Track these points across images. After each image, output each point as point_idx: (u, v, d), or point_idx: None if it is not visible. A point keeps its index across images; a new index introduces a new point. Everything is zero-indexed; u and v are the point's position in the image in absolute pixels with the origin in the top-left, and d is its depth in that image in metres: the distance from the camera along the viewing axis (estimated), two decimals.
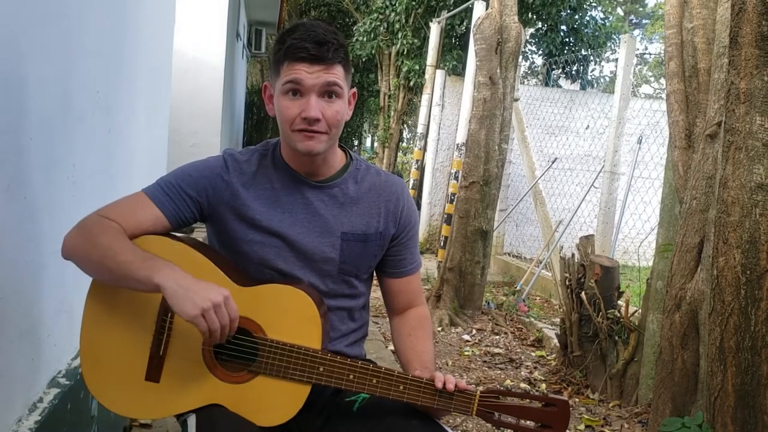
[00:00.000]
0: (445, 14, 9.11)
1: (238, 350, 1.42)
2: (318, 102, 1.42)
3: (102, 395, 1.44)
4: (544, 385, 3.71)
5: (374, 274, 1.69)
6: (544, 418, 1.43)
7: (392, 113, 11.65)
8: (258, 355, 1.42)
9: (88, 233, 1.42)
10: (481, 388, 1.43)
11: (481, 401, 1.42)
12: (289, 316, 1.43)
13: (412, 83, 10.75)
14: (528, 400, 1.46)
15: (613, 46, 11.95)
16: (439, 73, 8.71)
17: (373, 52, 11.17)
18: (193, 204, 1.50)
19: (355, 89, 1.54)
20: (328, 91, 1.43)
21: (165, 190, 1.49)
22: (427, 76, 8.99)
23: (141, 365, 1.42)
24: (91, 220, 1.45)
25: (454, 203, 5.53)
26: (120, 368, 1.43)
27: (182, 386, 1.42)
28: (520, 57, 5.97)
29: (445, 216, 6.60)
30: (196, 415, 1.41)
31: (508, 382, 3.74)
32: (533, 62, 13.29)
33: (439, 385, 1.40)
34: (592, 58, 11.32)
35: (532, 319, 5.15)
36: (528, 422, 1.44)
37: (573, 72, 10.97)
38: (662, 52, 3.28)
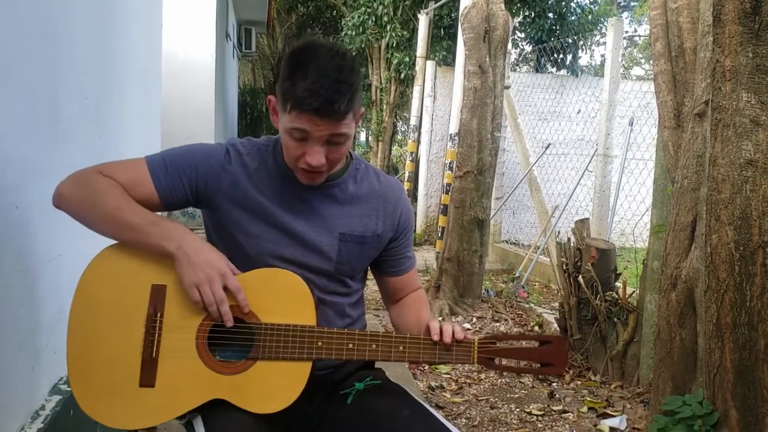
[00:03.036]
0: (432, 5, 9.09)
1: (233, 339, 1.41)
2: (322, 148, 1.40)
3: (97, 412, 1.38)
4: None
5: (367, 272, 1.71)
6: (544, 357, 1.46)
7: (384, 106, 11.63)
8: (254, 341, 1.41)
9: (91, 189, 1.43)
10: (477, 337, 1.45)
11: (480, 348, 1.44)
12: (281, 297, 1.43)
13: (402, 75, 10.72)
14: (524, 342, 1.49)
15: (602, 29, 11.93)
16: (430, 65, 8.70)
17: (363, 46, 11.14)
18: (190, 187, 1.49)
19: (363, 108, 1.51)
20: (333, 141, 1.41)
21: (167, 168, 1.48)
22: (417, 68, 8.98)
23: (134, 372, 1.38)
24: (93, 176, 1.45)
25: (450, 193, 5.53)
26: (112, 379, 1.38)
27: (180, 386, 1.39)
28: (509, 45, 5.97)
29: (442, 207, 6.61)
30: (201, 414, 1.40)
31: None
32: (523, 49, 13.26)
33: (436, 337, 1.43)
34: (581, 42, 11.29)
35: (532, 305, 5.17)
36: (529, 363, 1.47)
37: (560, 59, 10.93)
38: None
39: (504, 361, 1.46)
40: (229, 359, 1.42)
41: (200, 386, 1.39)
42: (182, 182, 1.49)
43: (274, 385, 1.40)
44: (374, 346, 1.43)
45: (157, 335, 1.40)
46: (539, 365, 1.47)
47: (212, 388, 1.39)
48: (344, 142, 1.43)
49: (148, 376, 1.38)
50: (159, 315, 1.40)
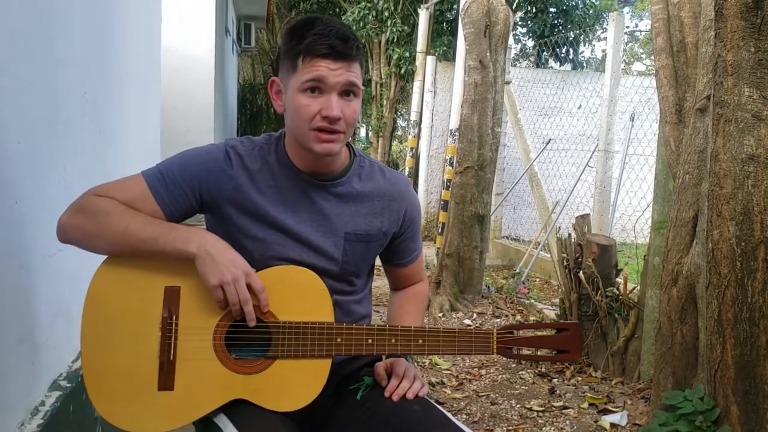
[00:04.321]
0: (433, 0, 9.07)
1: (251, 338, 1.40)
2: (338, 101, 1.39)
3: (116, 417, 1.37)
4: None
5: (374, 265, 1.70)
6: (560, 344, 1.51)
7: (385, 102, 11.62)
8: (272, 340, 1.40)
9: (93, 214, 1.40)
10: (496, 328, 1.49)
11: (499, 338, 1.47)
12: (297, 294, 1.42)
13: (403, 71, 10.72)
14: (541, 330, 1.53)
15: (604, 24, 11.91)
16: (430, 60, 8.68)
17: (363, 41, 11.13)
18: (194, 198, 1.47)
19: (362, 88, 1.50)
20: (347, 91, 1.41)
21: (166, 182, 1.45)
22: (417, 63, 8.96)
23: (152, 376, 1.37)
24: (91, 200, 1.42)
25: (450, 189, 5.53)
26: (129, 384, 1.37)
27: (199, 389, 1.38)
28: (510, 40, 5.95)
29: (442, 202, 6.60)
30: (225, 413, 1.39)
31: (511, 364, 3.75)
32: (524, 45, 13.25)
33: (387, 394, 1.48)
34: (582, 38, 11.28)
35: (533, 301, 5.17)
36: (545, 350, 1.52)
37: (562, 54, 10.92)
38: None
39: (522, 350, 1.51)
40: (247, 356, 1.41)
41: (220, 387, 1.39)
42: (185, 193, 1.46)
43: (295, 383, 1.40)
44: (393, 340, 1.44)
45: (173, 338, 1.38)
46: (555, 352, 1.52)
47: (232, 389, 1.39)
48: (357, 95, 1.44)
49: (166, 379, 1.37)
50: (174, 318, 1.38)
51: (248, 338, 1.40)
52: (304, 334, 1.40)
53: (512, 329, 1.49)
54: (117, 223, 1.39)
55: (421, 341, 1.44)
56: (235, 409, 1.39)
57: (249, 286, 1.38)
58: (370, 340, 1.43)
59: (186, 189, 1.46)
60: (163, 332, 1.38)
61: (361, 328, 1.43)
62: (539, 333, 1.51)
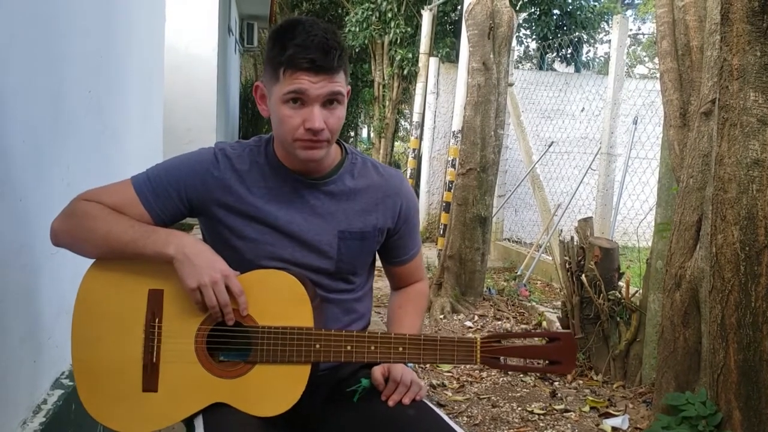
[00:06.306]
0: (436, 1, 9.06)
1: (232, 343, 1.40)
2: (321, 111, 1.39)
3: (104, 417, 1.40)
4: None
5: (375, 263, 1.68)
6: (551, 354, 1.41)
7: (387, 103, 11.62)
8: (252, 345, 1.39)
9: (80, 218, 1.42)
10: (480, 335, 1.42)
11: (483, 347, 1.40)
12: (277, 299, 1.41)
13: (406, 72, 10.72)
14: (531, 339, 1.45)
15: (606, 27, 11.91)
16: (433, 61, 8.68)
17: (366, 42, 11.13)
18: (180, 201, 1.47)
19: (349, 87, 1.50)
20: (330, 100, 1.40)
21: (153, 185, 1.46)
22: (420, 65, 8.96)
23: (136, 377, 1.39)
24: (79, 204, 1.44)
25: (452, 191, 5.52)
26: (116, 385, 1.39)
27: (182, 391, 1.39)
28: (514, 41, 5.95)
29: (444, 204, 6.59)
30: (203, 414, 1.40)
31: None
32: (528, 46, 13.24)
33: (384, 397, 1.47)
34: (585, 39, 11.28)
35: (534, 304, 5.16)
36: (535, 361, 1.42)
37: (567, 55, 10.91)
38: (655, 31, 3.27)
39: (509, 360, 1.43)
40: (232, 358, 1.41)
41: (201, 390, 1.39)
42: (172, 198, 1.46)
43: (274, 388, 1.39)
44: (373, 347, 1.41)
45: (156, 340, 1.39)
46: (547, 363, 1.42)
47: (213, 392, 1.39)
48: (341, 102, 1.43)
49: (150, 381, 1.39)
50: (157, 320, 1.39)
51: (229, 342, 1.40)
52: (283, 340, 1.39)
53: (499, 338, 1.41)
54: (101, 226, 1.40)
55: (401, 349, 1.41)
56: (215, 412, 1.39)
57: (228, 289, 1.37)
58: (349, 347, 1.40)
59: (172, 193, 1.46)
60: (147, 335, 1.39)
61: (340, 334, 1.41)
62: (528, 342, 1.43)
